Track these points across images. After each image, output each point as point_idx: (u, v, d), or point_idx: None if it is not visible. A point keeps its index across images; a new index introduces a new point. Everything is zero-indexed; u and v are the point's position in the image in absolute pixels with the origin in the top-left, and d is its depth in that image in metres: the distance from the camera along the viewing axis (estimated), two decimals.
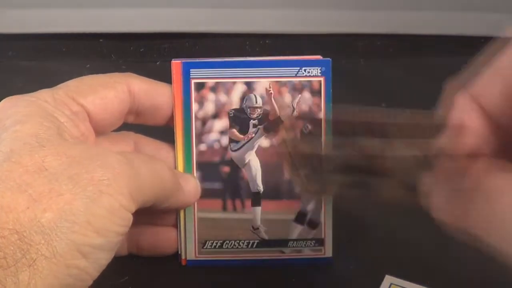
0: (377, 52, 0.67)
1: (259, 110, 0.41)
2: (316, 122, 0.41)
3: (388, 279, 0.40)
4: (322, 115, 0.41)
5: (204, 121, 0.41)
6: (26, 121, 0.33)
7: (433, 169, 0.30)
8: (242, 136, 0.41)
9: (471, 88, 0.29)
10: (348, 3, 0.68)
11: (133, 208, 0.33)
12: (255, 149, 0.41)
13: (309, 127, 0.41)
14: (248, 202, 0.42)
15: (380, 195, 0.32)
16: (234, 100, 0.41)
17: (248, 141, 0.41)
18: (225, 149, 0.41)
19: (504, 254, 0.26)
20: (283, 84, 0.41)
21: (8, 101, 0.35)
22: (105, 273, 0.32)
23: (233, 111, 0.41)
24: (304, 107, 0.41)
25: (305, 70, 0.41)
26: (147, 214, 0.37)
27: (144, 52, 0.66)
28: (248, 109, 0.41)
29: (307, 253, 0.42)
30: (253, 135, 0.41)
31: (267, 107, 0.41)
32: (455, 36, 0.68)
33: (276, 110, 0.41)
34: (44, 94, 0.36)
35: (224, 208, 0.42)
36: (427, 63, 0.64)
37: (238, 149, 0.42)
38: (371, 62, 0.65)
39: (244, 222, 0.42)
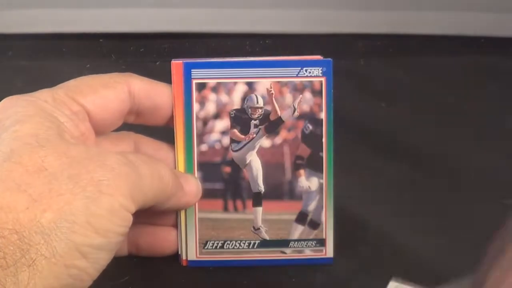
0: (377, 52, 0.67)
1: (260, 110, 0.41)
2: (318, 122, 0.41)
3: (393, 283, 0.40)
4: (323, 115, 0.41)
5: (205, 121, 0.41)
6: (26, 121, 0.33)
7: None
8: (243, 136, 0.41)
9: None
10: (348, 3, 0.68)
11: (133, 209, 0.33)
12: (256, 149, 0.41)
13: (310, 127, 0.41)
14: (249, 203, 0.42)
15: None
16: (235, 100, 0.41)
17: (249, 141, 0.41)
18: (226, 149, 0.41)
19: None
20: (284, 84, 0.41)
21: (8, 101, 0.35)
22: (105, 273, 0.32)
23: (234, 111, 0.41)
24: (305, 107, 0.41)
25: (306, 70, 0.41)
26: (147, 214, 0.37)
27: (144, 52, 0.66)
28: (249, 109, 0.41)
29: (308, 253, 0.42)
30: (254, 135, 0.41)
31: (268, 107, 0.41)
32: (455, 36, 0.68)
33: (277, 110, 0.41)
34: (44, 94, 0.36)
35: (225, 209, 0.42)
36: (427, 63, 0.64)
37: (239, 149, 0.41)
38: (371, 62, 0.65)
39: (245, 222, 0.42)
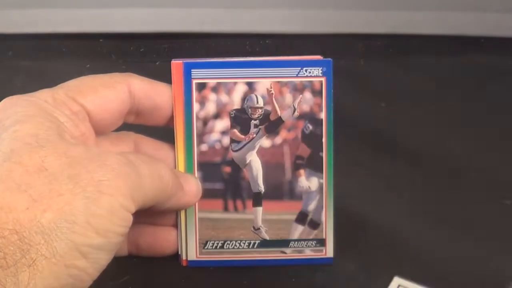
0: (377, 52, 0.67)
1: (260, 110, 0.41)
2: (318, 122, 0.41)
3: (396, 281, 0.40)
4: (323, 115, 0.41)
5: (205, 121, 0.41)
6: (26, 121, 0.33)
7: None
8: (243, 136, 0.41)
9: None
10: (348, 3, 0.68)
11: (133, 209, 0.33)
12: (256, 149, 0.41)
13: (310, 127, 0.41)
14: (249, 203, 0.42)
15: None
16: (235, 100, 0.41)
17: (249, 141, 0.41)
18: (226, 149, 0.41)
19: None
20: (284, 84, 0.41)
21: (8, 101, 0.35)
22: (105, 273, 0.32)
23: (234, 111, 0.41)
24: (305, 107, 0.41)
25: (306, 70, 0.41)
26: (147, 214, 0.37)
27: (144, 52, 0.66)
28: (249, 109, 0.41)
29: (308, 253, 0.42)
30: (254, 135, 0.41)
31: (268, 107, 0.41)
32: (455, 36, 0.68)
33: (277, 110, 0.41)
34: (44, 94, 0.36)
35: (225, 209, 0.42)
36: (427, 63, 0.64)
37: (239, 149, 0.41)
38: (371, 62, 0.65)
39: (245, 222, 0.42)
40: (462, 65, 0.64)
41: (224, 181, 0.42)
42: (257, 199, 0.42)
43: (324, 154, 0.41)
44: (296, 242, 0.42)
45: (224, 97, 0.41)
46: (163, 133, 0.42)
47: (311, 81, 0.41)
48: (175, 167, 0.41)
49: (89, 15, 0.66)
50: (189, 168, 0.41)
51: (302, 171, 0.42)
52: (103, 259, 0.32)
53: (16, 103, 0.34)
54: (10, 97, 0.35)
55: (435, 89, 0.60)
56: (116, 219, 0.32)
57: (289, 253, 0.42)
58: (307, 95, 0.41)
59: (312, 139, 0.41)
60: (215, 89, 0.41)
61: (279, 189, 0.42)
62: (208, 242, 0.42)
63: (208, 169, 0.41)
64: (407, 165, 0.51)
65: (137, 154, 0.38)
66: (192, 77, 0.41)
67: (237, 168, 0.42)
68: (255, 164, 0.42)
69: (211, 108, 0.41)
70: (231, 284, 0.42)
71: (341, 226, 0.42)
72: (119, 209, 0.32)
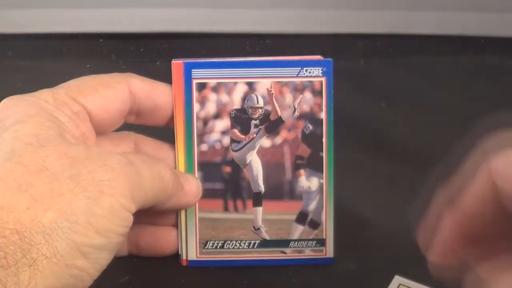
0: (377, 52, 0.67)
1: (260, 110, 0.41)
2: (318, 122, 0.41)
3: (397, 280, 0.40)
4: (323, 115, 0.41)
5: (205, 121, 0.41)
6: (26, 121, 0.33)
7: None
8: (243, 136, 0.41)
9: (457, 207, 0.30)
10: (348, 3, 0.68)
11: (134, 209, 0.33)
12: (256, 149, 0.41)
13: (310, 127, 0.41)
14: (249, 203, 0.42)
15: None
16: (235, 100, 0.41)
17: (249, 141, 0.41)
18: (226, 149, 0.41)
19: None
20: (285, 84, 0.41)
21: (9, 101, 0.35)
22: (105, 273, 0.32)
23: (234, 111, 0.41)
24: (306, 107, 0.41)
25: (306, 71, 0.41)
26: (147, 214, 0.37)
27: (144, 52, 0.66)
28: (250, 109, 0.41)
29: (309, 253, 0.42)
30: (255, 135, 0.41)
31: (269, 107, 0.41)
32: (455, 36, 0.68)
33: (278, 110, 0.41)
34: (44, 94, 0.36)
35: (226, 208, 0.42)
36: (427, 63, 0.64)
37: (240, 149, 0.41)
38: (371, 62, 0.65)
39: (245, 222, 0.42)
40: (462, 65, 0.64)
41: (224, 181, 0.42)
42: (257, 199, 0.42)
43: (324, 154, 0.41)
44: (296, 242, 0.42)
45: (224, 97, 0.41)
46: (163, 133, 0.42)
47: (311, 81, 0.41)
48: (175, 167, 0.41)
49: (89, 15, 0.66)
50: (189, 168, 0.41)
51: (302, 171, 0.42)
52: (104, 259, 0.32)
53: (16, 103, 0.34)
54: (11, 97, 0.35)
55: (435, 89, 0.60)
56: (117, 219, 0.32)
57: (289, 253, 0.42)
58: (307, 95, 0.41)
59: (312, 139, 0.41)
60: (216, 89, 0.41)
61: (279, 189, 0.42)
62: (208, 242, 0.42)
63: (208, 169, 0.41)
64: (407, 165, 0.51)
65: (137, 154, 0.38)
66: (193, 77, 0.41)
67: (237, 168, 0.42)
68: (255, 164, 0.42)
69: (211, 108, 0.41)
70: (231, 284, 0.42)
71: (341, 226, 0.42)
72: (119, 209, 0.32)
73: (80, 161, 0.32)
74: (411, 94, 0.60)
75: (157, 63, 0.64)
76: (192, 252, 0.42)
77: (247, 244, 0.42)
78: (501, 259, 0.29)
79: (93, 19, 0.66)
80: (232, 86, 0.41)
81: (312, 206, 0.42)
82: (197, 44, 0.67)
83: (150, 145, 0.42)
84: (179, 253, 0.42)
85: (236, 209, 0.42)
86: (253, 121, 0.41)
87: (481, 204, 0.29)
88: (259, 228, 0.42)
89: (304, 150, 0.41)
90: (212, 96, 0.41)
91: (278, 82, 0.41)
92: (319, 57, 0.41)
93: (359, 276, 0.42)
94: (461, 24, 0.68)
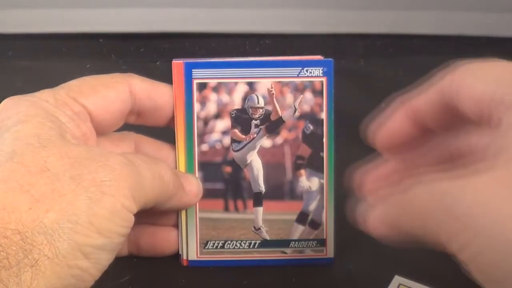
0: (377, 52, 0.67)
1: (261, 110, 0.41)
2: (318, 122, 0.41)
3: (397, 280, 0.40)
4: (324, 115, 0.41)
5: (206, 121, 0.41)
6: (27, 121, 0.33)
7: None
8: (244, 136, 0.41)
9: (413, 100, 0.36)
10: (348, 3, 0.68)
11: (135, 209, 0.33)
12: (257, 149, 0.41)
13: (311, 127, 0.41)
14: (250, 203, 0.42)
15: None
16: (236, 100, 0.41)
17: (250, 141, 0.41)
18: (227, 149, 0.41)
19: (432, 242, 0.30)
20: (285, 84, 0.41)
21: (10, 101, 0.35)
22: (105, 273, 0.32)
23: (235, 111, 0.41)
24: (306, 108, 0.41)
25: (307, 71, 0.41)
26: (148, 215, 0.37)
27: (144, 52, 0.66)
28: (250, 109, 0.41)
29: (309, 253, 0.42)
30: (255, 135, 0.41)
31: (269, 108, 0.41)
32: (455, 36, 0.68)
33: (278, 110, 0.41)
34: (45, 94, 0.36)
35: (226, 209, 0.42)
36: (427, 63, 0.64)
37: (240, 149, 0.41)
38: (371, 62, 0.65)
39: (246, 222, 0.42)
40: None
41: (225, 181, 0.42)
42: (258, 199, 0.42)
43: (324, 154, 0.41)
44: (297, 242, 0.42)
45: (225, 97, 0.41)
46: (164, 133, 0.42)
47: (311, 81, 0.41)
48: (176, 167, 0.41)
49: (89, 15, 0.66)
50: (189, 168, 0.41)
51: (302, 171, 0.42)
52: (105, 259, 0.32)
53: (17, 104, 0.34)
54: (12, 97, 0.35)
55: None
56: (118, 219, 0.32)
57: (290, 253, 0.42)
58: (308, 95, 0.41)
59: (312, 139, 0.41)
60: (216, 89, 0.41)
61: (280, 189, 0.42)
62: (209, 242, 0.42)
63: (209, 169, 0.41)
64: None
65: (138, 154, 0.38)
66: (193, 77, 0.41)
67: (238, 168, 0.42)
68: (256, 164, 0.42)
69: (212, 108, 0.41)
70: (231, 284, 0.42)
71: (341, 226, 0.42)
72: (121, 210, 0.32)
73: (81, 161, 0.32)
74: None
75: (157, 63, 0.64)
76: (192, 252, 0.42)
77: (248, 244, 0.42)
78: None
79: (93, 19, 0.66)
80: (233, 86, 0.41)
81: (312, 206, 0.42)
82: (197, 44, 0.67)
83: (151, 145, 0.42)
84: (180, 253, 0.42)
85: (236, 209, 0.42)
86: (253, 121, 0.41)
87: (430, 102, 0.35)
88: (259, 228, 0.42)
89: (305, 150, 0.41)
90: (212, 96, 0.41)
91: (279, 82, 0.41)
92: (319, 57, 0.41)
93: (359, 276, 0.42)
94: (461, 24, 0.68)
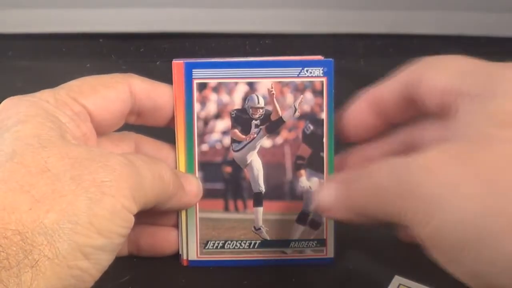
0: (377, 52, 0.67)
1: (261, 110, 0.41)
2: (318, 122, 0.41)
3: (397, 280, 0.40)
4: (324, 115, 0.41)
5: (206, 121, 0.41)
6: (27, 121, 0.33)
7: None
8: (244, 136, 0.41)
9: (374, 88, 0.40)
10: (348, 3, 0.68)
11: (135, 210, 0.33)
12: (257, 149, 0.41)
13: (311, 127, 0.41)
14: (250, 203, 0.42)
15: None
16: (236, 100, 0.41)
17: (250, 142, 0.41)
18: (227, 149, 0.41)
19: (383, 218, 0.33)
20: (285, 84, 0.41)
21: (10, 101, 0.35)
22: (105, 273, 0.32)
23: (235, 111, 0.41)
24: (306, 108, 0.41)
25: (307, 71, 0.41)
26: (148, 215, 0.37)
27: (144, 52, 0.66)
28: (250, 110, 0.41)
29: (309, 253, 0.42)
30: (255, 135, 0.41)
31: (269, 108, 0.41)
32: (455, 36, 0.68)
33: (278, 110, 0.41)
34: (45, 95, 0.36)
35: (226, 209, 0.42)
36: None
37: (240, 149, 0.41)
38: (371, 62, 0.65)
39: (246, 222, 0.42)
40: None
41: (225, 181, 0.42)
42: (258, 199, 0.42)
43: (325, 154, 0.41)
44: (297, 242, 0.42)
45: (225, 97, 0.41)
46: (164, 133, 0.42)
47: (312, 81, 0.41)
48: (176, 167, 0.41)
49: (89, 15, 0.66)
50: (190, 168, 0.41)
51: (303, 171, 0.42)
52: (105, 260, 0.32)
53: (17, 104, 0.34)
54: (12, 97, 0.35)
55: None
56: (118, 220, 0.32)
57: (290, 253, 0.42)
58: (308, 95, 0.41)
59: (313, 139, 0.41)
60: (216, 89, 0.41)
61: (280, 189, 0.42)
62: (209, 242, 0.42)
63: (209, 169, 0.41)
64: None
65: (138, 154, 0.38)
66: (193, 77, 0.40)
67: (238, 168, 0.42)
68: (256, 164, 0.42)
69: (212, 108, 0.41)
70: (231, 284, 0.42)
71: (341, 226, 0.42)
72: (121, 210, 0.32)
73: (81, 162, 0.32)
74: None
75: (157, 63, 0.64)
76: (192, 252, 0.42)
77: (248, 244, 0.42)
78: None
79: (93, 19, 0.66)
80: (233, 86, 0.41)
81: (312, 206, 0.42)
82: (197, 44, 0.67)
83: (151, 145, 0.42)
84: (180, 253, 0.42)
85: (236, 209, 0.42)
86: (253, 121, 0.41)
87: (392, 93, 0.38)
88: (259, 228, 0.42)
89: (305, 150, 0.41)
90: (212, 96, 0.41)
91: (279, 82, 0.41)
92: (320, 57, 0.41)
93: (359, 276, 0.42)
94: (461, 24, 0.68)
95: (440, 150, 0.31)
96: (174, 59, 0.41)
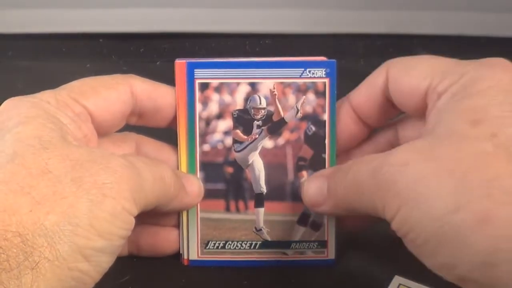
0: (377, 52, 0.67)
1: (263, 111, 0.41)
2: (320, 123, 0.41)
3: (397, 280, 0.39)
4: (326, 116, 0.41)
5: (208, 122, 0.41)
6: (28, 123, 0.33)
7: None
8: (245, 137, 0.41)
9: (351, 97, 0.41)
10: (348, 3, 0.68)
11: (136, 212, 0.33)
12: (258, 150, 0.41)
13: (313, 128, 0.41)
14: (251, 203, 0.42)
15: None
16: (238, 100, 0.41)
17: (251, 142, 0.41)
18: (228, 149, 0.41)
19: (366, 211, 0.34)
20: (287, 85, 0.41)
21: (11, 102, 0.35)
22: (105, 273, 0.32)
23: (237, 111, 0.41)
24: (308, 109, 0.41)
25: (309, 72, 0.40)
26: (149, 214, 0.37)
27: (144, 52, 0.66)
28: (252, 110, 0.41)
29: (310, 255, 0.42)
30: (257, 136, 0.41)
31: (271, 108, 0.41)
32: (455, 36, 0.68)
33: (280, 111, 0.41)
34: (46, 95, 0.36)
35: (227, 209, 0.42)
36: None
37: (242, 149, 0.41)
38: (371, 62, 0.65)
39: (247, 223, 0.42)
40: None
41: (226, 181, 0.42)
42: (259, 200, 0.42)
43: (326, 156, 0.41)
44: (298, 244, 0.42)
45: (227, 98, 0.41)
46: (165, 134, 0.42)
47: (314, 82, 0.41)
48: (177, 168, 0.41)
49: (89, 15, 0.66)
50: (191, 168, 0.41)
51: (304, 173, 0.41)
52: (105, 262, 0.32)
53: (18, 105, 0.34)
54: (13, 98, 0.35)
55: None
56: (119, 222, 0.32)
57: (291, 255, 0.42)
58: (310, 96, 0.41)
59: (314, 140, 0.41)
60: (218, 89, 0.41)
61: (281, 190, 0.42)
62: (210, 242, 0.42)
63: (211, 169, 0.41)
64: None
65: (139, 156, 0.38)
66: (195, 77, 0.40)
67: (239, 168, 0.42)
68: (258, 165, 0.42)
69: (213, 108, 0.41)
70: (231, 285, 0.41)
71: (342, 227, 0.42)
72: (121, 212, 0.32)
73: (82, 163, 0.31)
74: None
75: (157, 63, 0.64)
76: (193, 252, 0.42)
77: (249, 245, 0.42)
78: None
79: (93, 19, 0.66)
80: (235, 86, 0.41)
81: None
82: (197, 44, 0.67)
83: (152, 146, 0.42)
84: (180, 252, 0.42)
85: (237, 210, 0.42)
86: (255, 121, 0.41)
87: (368, 97, 0.39)
88: (260, 229, 0.42)
89: (307, 151, 0.41)
90: (214, 97, 0.41)
91: (281, 83, 0.41)
92: (322, 58, 0.41)
93: (359, 276, 0.42)
94: (461, 24, 0.68)
95: (412, 147, 0.32)
96: (177, 59, 0.40)
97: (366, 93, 0.40)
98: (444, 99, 0.33)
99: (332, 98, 0.41)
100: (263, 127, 0.41)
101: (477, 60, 0.34)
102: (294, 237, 0.42)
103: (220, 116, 0.41)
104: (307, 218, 0.42)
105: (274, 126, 0.41)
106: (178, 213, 0.42)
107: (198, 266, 0.42)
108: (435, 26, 0.68)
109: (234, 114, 0.41)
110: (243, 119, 0.41)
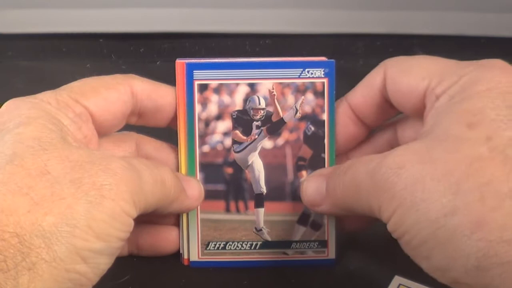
0: (376, 52, 0.67)
1: (262, 111, 0.41)
2: (320, 123, 0.41)
3: (397, 280, 0.39)
4: (325, 116, 0.41)
5: (207, 123, 0.41)
6: (29, 123, 0.33)
7: None
8: (245, 137, 0.41)
9: (349, 98, 0.40)
10: (348, 3, 0.68)
11: (135, 214, 0.33)
12: (258, 150, 0.41)
13: (312, 128, 0.41)
14: (251, 204, 0.42)
15: None
16: (237, 101, 0.41)
17: (251, 143, 0.41)
18: (228, 150, 0.41)
19: (362, 211, 0.34)
20: (286, 85, 0.41)
21: (11, 103, 0.35)
22: (105, 273, 0.32)
23: (236, 112, 0.41)
24: (307, 109, 0.41)
25: (308, 72, 0.40)
26: (148, 214, 0.37)
27: (144, 52, 0.66)
28: (251, 111, 0.41)
29: (310, 254, 0.42)
30: (256, 136, 0.41)
31: (270, 109, 0.41)
32: (455, 36, 0.68)
33: (279, 111, 0.41)
34: (47, 96, 0.36)
35: (227, 210, 0.42)
36: None
37: (241, 150, 0.41)
38: (371, 62, 0.65)
39: (247, 223, 0.42)
40: None
41: (226, 182, 0.42)
42: (259, 200, 0.42)
43: (326, 155, 0.41)
44: (298, 244, 0.42)
45: (226, 98, 0.41)
46: (165, 134, 0.42)
47: (313, 82, 0.41)
48: (177, 168, 0.41)
49: (89, 15, 0.66)
50: (191, 169, 0.41)
51: (304, 172, 0.41)
52: (103, 264, 0.32)
53: (19, 105, 0.34)
54: (13, 99, 0.35)
55: None
56: (117, 223, 0.31)
57: (291, 255, 0.42)
58: (309, 96, 0.41)
59: (314, 140, 0.41)
60: (217, 90, 0.41)
61: (281, 190, 0.42)
62: (210, 242, 0.42)
63: (210, 170, 0.41)
64: None
65: (140, 158, 0.38)
66: (194, 78, 0.40)
67: (239, 169, 0.42)
68: (257, 165, 0.42)
69: (213, 109, 0.41)
70: (232, 284, 0.41)
71: (342, 227, 0.42)
72: (120, 214, 0.31)
73: (82, 165, 0.31)
74: None
75: (157, 63, 0.64)
76: (194, 253, 0.42)
77: (249, 245, 0.42)
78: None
79: (93, 19, 0.66)
80: (234, 87, 0.41)
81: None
82: (197, 44, 0.67)
83: (152, 145, 0.42)
84: (181, 252, 0.42)
85: (238, 210, 0.42)
86: (254, 122, 0.41)
87: (366, 98, 0.39)
88: (261, 229, 0.42)
89: (306, 152, 0.41)
90: (213, 98, 0.41)
91: (280, 83, 0.41)
92: (321, 58, 0.41)
93: (359, 277, 0.42)
94: (461, 24, 0.68)
95: (409, 149, 0.32)
96: (177, 59, 0.40)
97: (363, 93, 0.40)
98: (442, 100, 0.33)
99: (331, 98, 0.41)
100: (262, 128, 0.41)
101: (475, 62, 0.34)
102: (294, 237, 0.42)
103: (219, 117, 0.41)
104: (307, 218, 0.42)
105: (273, 126, 0.41)
106: (178, 214, 0.42)
107: (199, 267, 0.42)
108: (434, 26, 0.68)
109: (233, 115, 0.41)
110: (242, 120, 0.41)
